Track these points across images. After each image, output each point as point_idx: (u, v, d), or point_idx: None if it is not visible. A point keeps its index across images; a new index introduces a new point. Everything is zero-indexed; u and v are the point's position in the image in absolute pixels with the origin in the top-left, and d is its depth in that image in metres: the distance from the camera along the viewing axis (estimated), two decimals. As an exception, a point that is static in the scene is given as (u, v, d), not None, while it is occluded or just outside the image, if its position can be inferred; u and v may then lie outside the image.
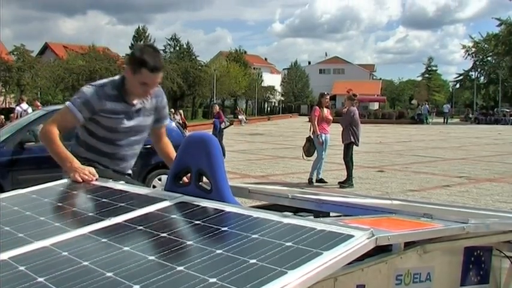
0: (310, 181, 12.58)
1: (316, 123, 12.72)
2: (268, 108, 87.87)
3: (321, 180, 12.72)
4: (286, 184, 12.06)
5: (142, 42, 79.17)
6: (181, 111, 34.75)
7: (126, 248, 1.93)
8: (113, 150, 3.66)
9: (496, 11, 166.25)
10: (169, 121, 10.97)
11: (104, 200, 2.57)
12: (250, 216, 2.09)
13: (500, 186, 12.38)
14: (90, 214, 2.35)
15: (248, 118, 57.88)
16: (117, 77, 3.66)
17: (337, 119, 13.91)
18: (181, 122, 25.64)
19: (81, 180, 3.11)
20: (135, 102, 3.61)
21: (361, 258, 1.84)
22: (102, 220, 2.25)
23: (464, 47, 78.91)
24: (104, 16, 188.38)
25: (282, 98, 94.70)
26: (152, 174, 9.98)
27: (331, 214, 3.05)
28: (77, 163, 3.28)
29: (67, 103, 3.56)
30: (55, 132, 3.43)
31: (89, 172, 3.18)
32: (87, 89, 3.53)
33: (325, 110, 12.94)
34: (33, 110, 18.07)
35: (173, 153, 3.73)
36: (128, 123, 3.61)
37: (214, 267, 1.65)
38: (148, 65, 3.37)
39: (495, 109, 68.02)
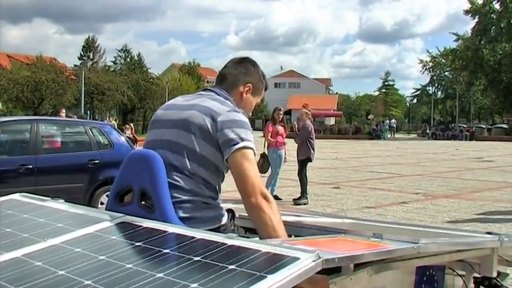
0: (264, 197, 12.45)
1: (270, 137, 12.59)
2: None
3: (275, 197, 12.56)
4: (238, 201, 11.93)
5: (91, 53, 78.32)
6: (131, 124, 33.77)
7: (61, 272, 1.82)
8: None
9: (453, 26, 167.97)
10: (119, 135, 10.77)
11: (40, 220, 2.45)
12: (193, 238, 2.01)
13: (457, 203, 12.43)
14: (25, 235, 2.23)
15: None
16: (226, 99, 2.87)
17: (292, 135, 13.85)
18: (131, 136, 25.01)
19: None
20: None
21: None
22: (37, 242, 2.14)
23: (421, 61, 79.92)
24: (51, 25, 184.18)
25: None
26: (100, 190, 9.65)
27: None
28: None
29: (249, 146, 2.68)
30: None
31: None
32: (245, 117, 2.82)
33: (279, 127, 12.81)
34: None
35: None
36: None
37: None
38: (267, 85, 3.18)
39: (452, 124, 69.18)
